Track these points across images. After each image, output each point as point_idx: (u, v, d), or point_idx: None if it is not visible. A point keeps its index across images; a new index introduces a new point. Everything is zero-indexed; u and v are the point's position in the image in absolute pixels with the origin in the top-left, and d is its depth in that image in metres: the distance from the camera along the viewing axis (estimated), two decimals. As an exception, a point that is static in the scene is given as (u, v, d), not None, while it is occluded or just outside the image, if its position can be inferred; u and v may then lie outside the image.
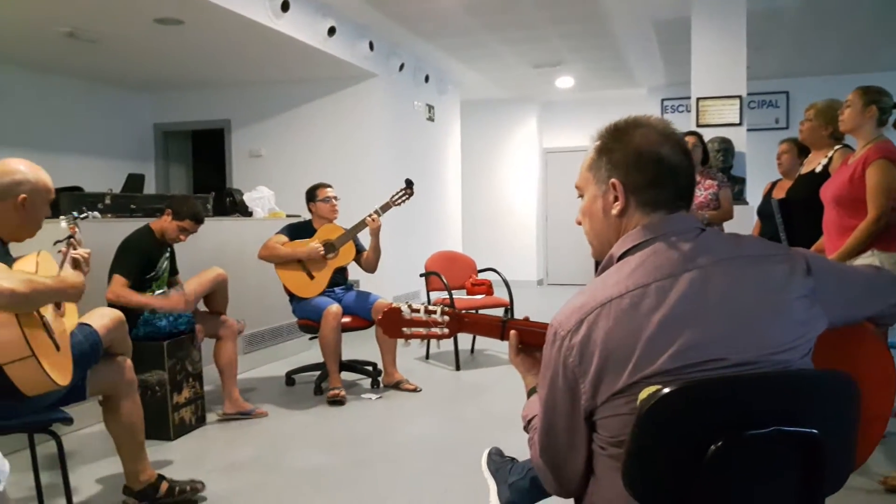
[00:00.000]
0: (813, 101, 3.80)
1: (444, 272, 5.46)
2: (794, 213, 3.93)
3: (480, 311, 4.09)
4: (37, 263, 2.45)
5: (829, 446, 1.08)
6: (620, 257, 1.22)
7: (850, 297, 1.29)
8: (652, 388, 1.05)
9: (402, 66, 7.59)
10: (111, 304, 3.45)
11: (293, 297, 4.59)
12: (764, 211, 4.40)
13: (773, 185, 4.58)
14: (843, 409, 1.12)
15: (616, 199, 1.24)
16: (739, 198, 5.79)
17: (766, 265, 1.18)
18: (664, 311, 1.10)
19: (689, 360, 1.08)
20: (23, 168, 2.39)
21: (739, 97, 5.88)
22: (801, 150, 4.42)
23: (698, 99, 5.95)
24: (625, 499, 1.11)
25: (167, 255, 3.87)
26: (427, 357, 5.63)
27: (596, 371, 1.12)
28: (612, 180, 1.25)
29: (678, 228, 1.20)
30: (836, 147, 3.65)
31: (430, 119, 8.65)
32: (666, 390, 1.03)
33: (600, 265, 1.26)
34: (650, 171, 1.22)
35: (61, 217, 2.65)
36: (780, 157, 4.50)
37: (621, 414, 1.11)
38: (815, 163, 3.74)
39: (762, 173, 4.79)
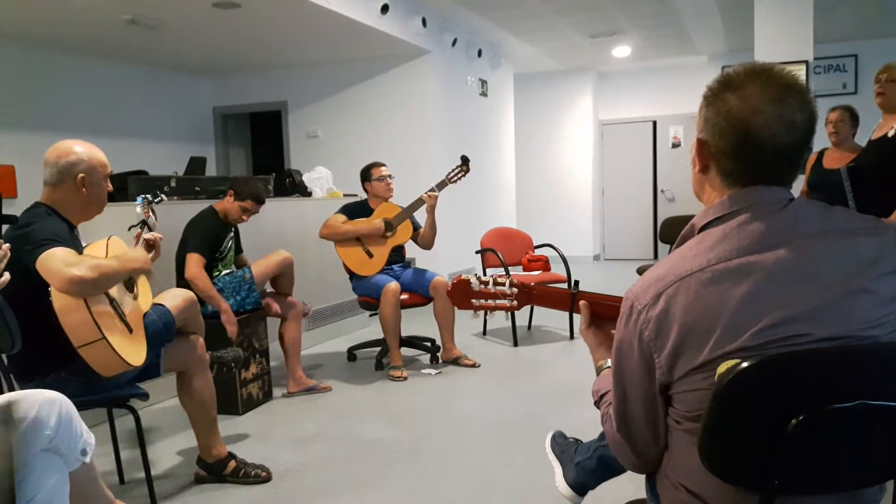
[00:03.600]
0: (884, 63, 3.63)
1: (499, 249, 5.44)
2: (865, 182, 3.77)
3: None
4: (106, 249, 2.53)
5: (917, 421, 1.05)
6: (702, 228, 1.18)
7: None
8: (731, 363, 1.03)
9: (454, 42, 7.54)
10: (185, 284, 3.56)
11: (353, 276, 4.65)
12: (818, 183, 4.22)
13: (820, 154, 4.39)
14: (932, 383, 1.08)
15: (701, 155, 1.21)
16: (802, 167, 5.60)
17: (855, 239, 1.13)
18: (748, 287, 1.06)
19: (772, 337, 1.05)
20: (77, 148, 2.44)
21: (806, 62, 5.66)
22: (853, 118, 4.26)
23: (762, 65, 5.75)
24: (701, 473, 1.10)
25: (231, 235, 3.96)
26: (484, 333, 5.65)
27: (673, 346, 1.10)
28: (699, 136, 1.20)
29: (765, 200, 1.14)
30: None
31: (484, 94, 8.59)
32: (745, 364, 1.01)
33: (680, 235, 1.23)
34: (732, 141, 1.15)
35: (137, 200, 2.72)
36: (837, 125, 4.30)
37: (699, 389, 1.09)
38: (887, 127, 3.58)
39: (826, 141, 4.60)
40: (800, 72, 5.65)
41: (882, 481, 1.14)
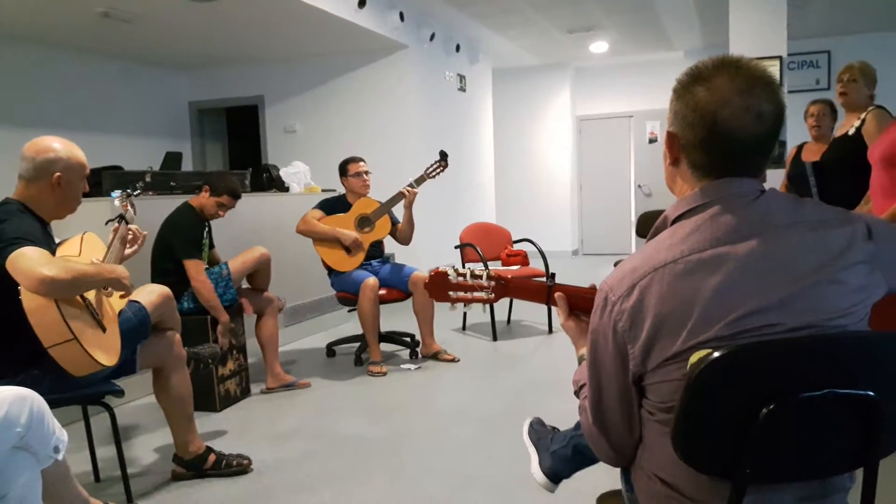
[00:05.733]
0: (855, 60, 3.70)
1: (479, 244, 5.46)
2: (829, 177, 3.84)
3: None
4: (80, 245, 2.49)
5: (884, 408, 1.07)
6: (675, 220, 1.19)
7: None
8: (702, 353, 1.04)
9: (432, 37, 7.53)
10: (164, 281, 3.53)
11: (331, 271, 4.64)
12: (797, 175, 4.29)
13: (800, 148, 4.45)
14: (898, 371, 1.10)
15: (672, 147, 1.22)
16: (780, 161, 5.67)
17: (826, 230, 1.14)
18: (721, 278, 1.08)
19: (745, 327, 1.06)
20: (56, 146, 2.40)
21: (780, 58, 5.72)
22: (833, 111, 4.33)
23: (737, 61, 5.81)
24: (674, 463, 1.11)
25: (206, 229, 3.93)
26: (464, 328, 5.66)
27: (647, 337, 1.11)
28: (669, 129, 1.22)
29: (736, 192, 1.15)
30: (870, 108, 3.56)
31: (462, 89, 8.58)
32: (716, 354, 1.03)
33: (653, 227, 1.24)
34: (700, 133, 1.15)
35: (114, 194, 2.68)
36: (819, 118, 4.35)
37: (672, 379, 1.10)
38: (849, 125, 3.65)
39: (803, 135, 4.67)
40: (773, 67, 5.71)
41: (852, 469, 1.16)
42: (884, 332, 1.14)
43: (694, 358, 1.05)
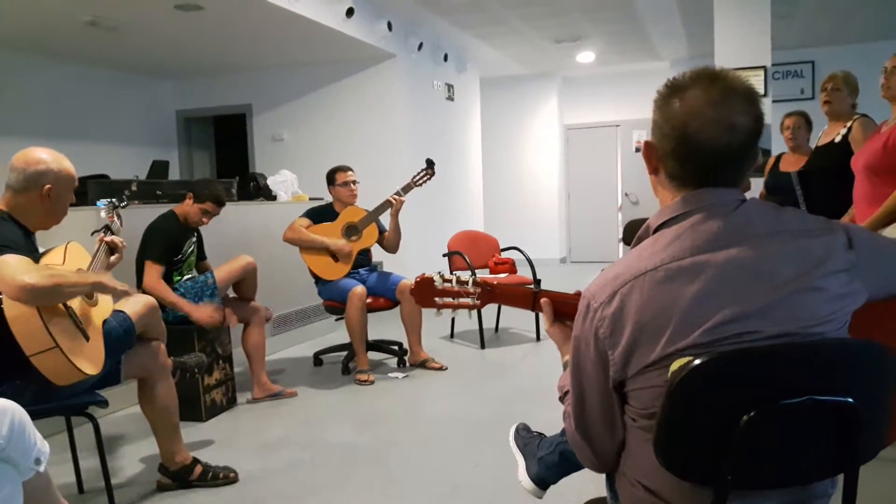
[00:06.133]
0: (839, 69, 3.75)
1: (466, 252, 5.46)
2: (814, 186, 3.87)
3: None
4: (64, 255, 2.48)
5: (864, 414, 1.08)
6: (657, 229, 1.20)
7: (892, 271, 1.25)
8: (683, 360, 1.05)
9: (420, 46, 7.55)
10: (146, 292, 3.52)
11: (318, 280, 4.63)
12: (775, 185, 4.33)
13: (778, 158, 4.50)
14: (877, 377, 1.11)
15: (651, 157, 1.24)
16: (763, 169, 5.71)
17: (807, 239, 1.15)
18: (700, 285, 1.09)
19: (724, 334, 1.07)
20: (46, 157, 2.40)
21: (764, 68, 5.78)
22: (807, 123, 4.38)
23: (721, 71, 5.86)
24: (657, 470, 1.12)
25: (193, 239, 3.91)
26: (452, 336, 5.65)
27: (627, 343, 1.12)
28: (647, 139, 1.24)
29: (718, 201, 1.16)
30: (856, 116, 3.61)
31: (450, 98, 8.61)
32: (697, 361, 1.03)
33: (636, 236, 1.25)
34: (672, 143, 1.17)
35: (100, 204, 2.67)
36: (795, 130, 4.41)
37: (653, 386, 1.10)
38: (833, 133, 3.69)
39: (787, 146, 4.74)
40: (758, 77, 5.77)
41: (833, 475, 1.17)
42: (862, 339, 1.15)
43: (675, 365, 1.06)
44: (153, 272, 3.59)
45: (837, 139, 3.63)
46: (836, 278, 1.14)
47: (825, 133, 3.82)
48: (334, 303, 4.58)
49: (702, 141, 1.14)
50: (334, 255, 4.55)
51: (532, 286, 1.62)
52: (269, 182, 5.74)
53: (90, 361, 2.32)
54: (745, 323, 1.08)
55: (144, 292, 3.43)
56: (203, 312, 3.64)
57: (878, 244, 1.28)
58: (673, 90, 1.18)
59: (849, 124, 3.60)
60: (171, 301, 3.58)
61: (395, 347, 4.89)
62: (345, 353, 4.78)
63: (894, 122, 3.03)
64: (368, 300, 4.48)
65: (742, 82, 1.17)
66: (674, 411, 1.06)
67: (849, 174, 3.27)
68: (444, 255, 5.64)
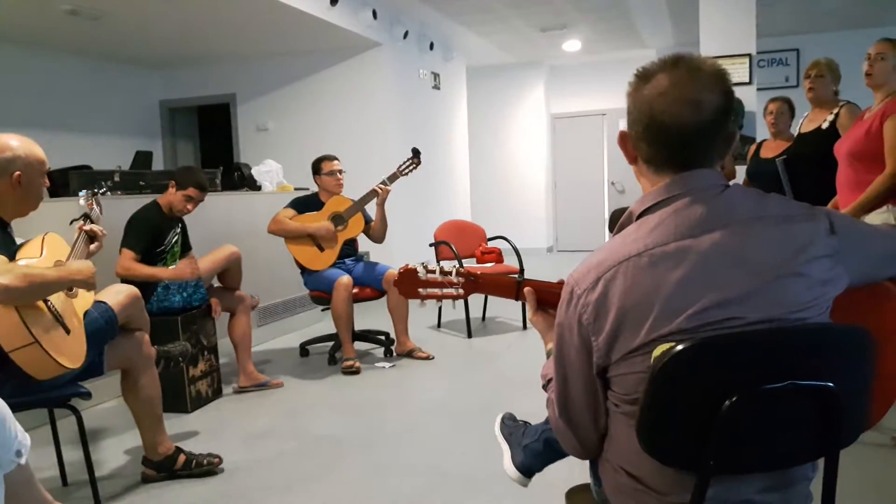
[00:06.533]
0: (823, 57, 3.76)
1: (453, 241, 5.45)
2: (800, 172, 3.88)
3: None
4: (42, 246, 2.44)
5: (844, 399, 1.08)
6: (641, 215, 1.20)
7: (873, 257, 1.26)
8: (666, 346, 1.05)
9: (406, 34, 7.51)
10: (122, 280, 3.49)
11: (304, 270, 4.61)
12: (756, 172, 4.33)
13: (759, 145, 4.50)
14: (858, 362, 1.12)
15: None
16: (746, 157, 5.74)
17: (790, 225, 1.15)
18: (683, 271, 1.09)
19: (707, 320, 1.07)
20: (13, 143, 2.34)
21: (749, 55, 5.79)
22: (791, 109, 4.38)
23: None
24: (639, 455, 1.12)
25: (177, 229, 3.88)
26: (439, 325, 5.65)
27: (611, 329, 1.12)
28: (621, 129, 1.24)
29: (700, 186, 1.16)
30: (842, 103, 3.62)
31: (436, 87, 8.58)
32: (680, 347, 1.03)
33: (619, 222, 1.24)
34: (640, 126, 1.18)
35: (80, 193, 2.64)
36: (777, 116, 4.40)
37: (636, 372, 1.11)
38: (819, 120, 3.70)
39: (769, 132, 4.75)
40: (743, 65, 5.78)
41: (814, 459, 1.18)
42: (843, 324, 1.15)
43: (658, 351, 1.06)
44: (125, 257, 3.57)
45: (824, 126, 3.64)
46: (819, 264, 1.15)
47: (809, 120, 3.83)
48: (320, 293, 4.56)
49: (668, 120, 1.15)
50: (320, 245, 4.53)
51: (516, 276, 1.62)
52: (253, 172, 5.70)
53: (71, 355, 2.30)
54: (728, 309, 1.08)
55: (121, 280, 3.39)
56: (181, 269, 3.64)
57: (859, 230, 1.28)
58: (641, 77, 1.19)
59: (835, 111, 3.61)
60: (148, 274, 3.56)
61: (382, 337, 4.88)
62: (331, 343, 4.77)
63: (877, 109, 3.05)
64: (355, 290, 4.47)
65: (708, 62, 1.17)
66: (656, 397, 1.06)
67: (835, 161, 3.28)
68: (430, 245, 5.63)
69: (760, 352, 1.08)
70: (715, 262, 1.10)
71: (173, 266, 3.79)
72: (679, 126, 1.15)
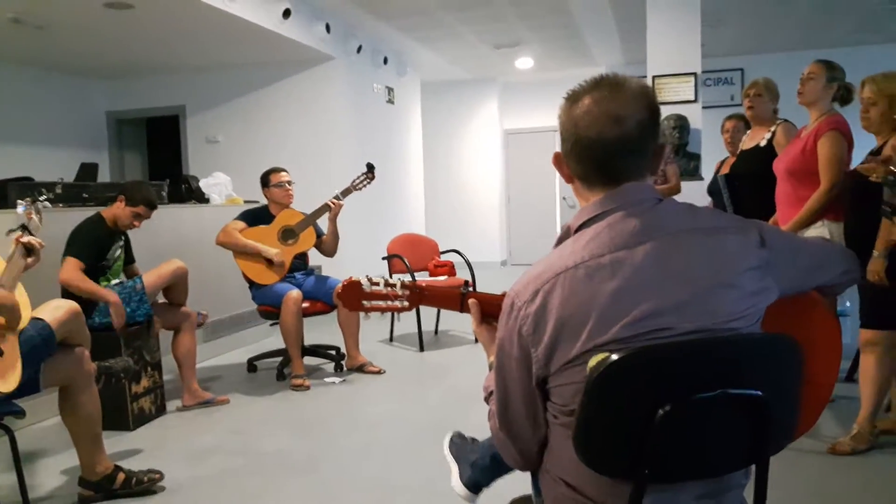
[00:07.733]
0: (761, 77, 3.89)
1: (406, 255, 5.45)
2: (742, 188, 3.98)
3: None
4: None
5: (774, 407, 1.11)
6: (578, 229, 1.22)
7: (802, 268, 1.31)
8: (601, 356, 1.06)
9: (359, 49, 7.51)
10: (64, 290, 3.39)
11: (253, 284, 4.54)
12: (711, 190, 4.45)
13: (723, 162, 4.63)
14: (786, 370, 1.15)
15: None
16: (695, 174, 5.88)
17: (720, 237, 1.18)
18: (618, 281, 1.11)
19: (642, 329, 1.09)
20: None
21: (695, 74, 5.94)
22: (747, 126, 4.50)
23: (654, 77, 6.00)
24: (577, 466, 1.12)
25: (120, 243, 3.79)
26: (391, 339, 5.62)
27: (550, 340, 1.13)
28: (556, 150, 1.27)
29: (633, 200, 1.19)
30: (778, 121, 3.74)
31: (390, 101, 8.59)
32: (614, 357, 1.05)
33: (558, 237, 1.26)
34: (568, 146, 1.22)
35: (18, 203, 2.55)
36: (734, 133, 4.53)
37: (574, 382, 1.11)
38: (758, 137, 3.82)
39: (718, 150, 4.88)
40: (689, 83, 5.92)
41: (746, 465, 1.20)
42: (772, 333, 1.18)
43: (592, 361, 1.07)
44: (71, 265, 3.47)
45: (763, 143, 3.76)
46: (750, 275, 1.18)
47: (749, 137, 3.95)
48: (269, 308, 4.49)
49: (592, 136, 1.18)
50: (269, 259, 4.47)
51: (474, 290, 1.62)
52: (202, 184, 5.61)
53: (5, 378, 2.22)
54: (662, 318, 1.10)
55: (67, 295, 3.29)
56: (119, 312, 3.51)
57: (788, 242, 1.32)
58: (569, 99, 1.24)
59: (773, 129, 3.73)
60: (89, 289, 3.47)
61: (332, 352, 4.83)
62: (280, 358, 4.70)
63: (812, 128, 3.15)
64: (305, 304, 4.42)
65: (631, 80, 1.22)
66: (591, 407, 1.07)
67: (774, 177, 3.38)
68: (383, 259, 5.61)
69: (693, 361, 1.10)
70: (649, 273, 1.12)
71: (117, 282, 3.70)
72: (602, 141, 1.18)
